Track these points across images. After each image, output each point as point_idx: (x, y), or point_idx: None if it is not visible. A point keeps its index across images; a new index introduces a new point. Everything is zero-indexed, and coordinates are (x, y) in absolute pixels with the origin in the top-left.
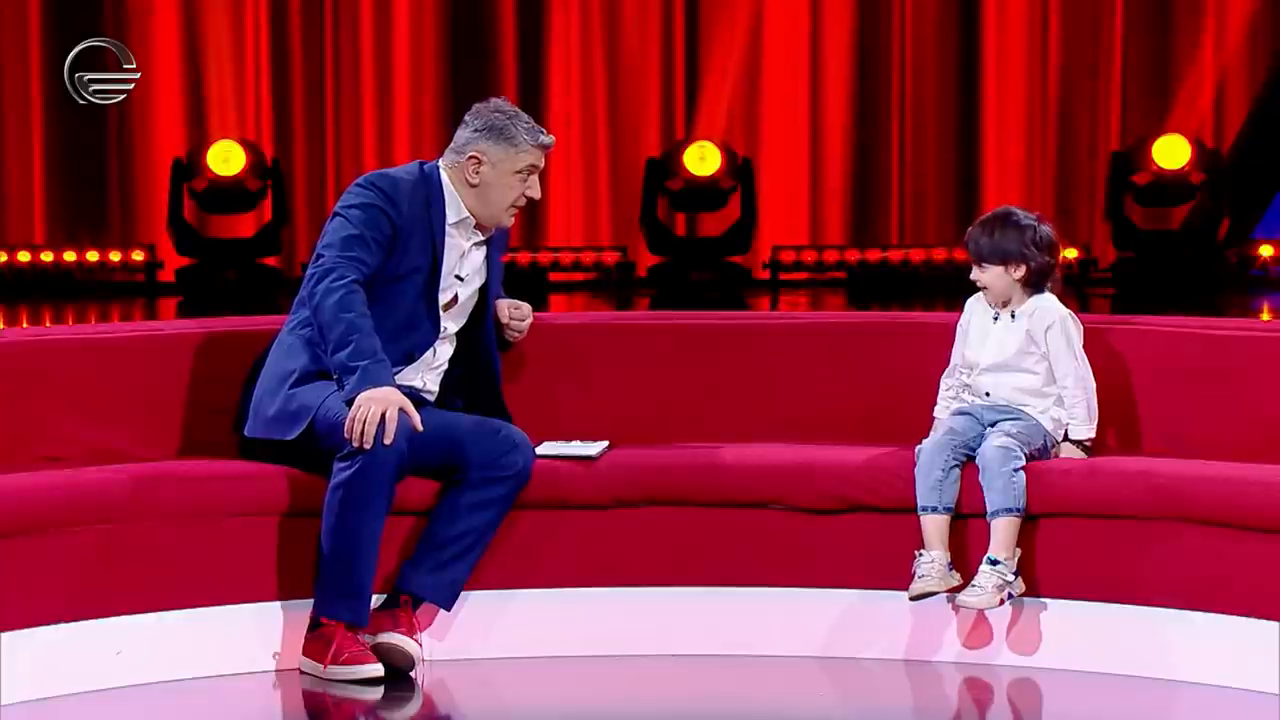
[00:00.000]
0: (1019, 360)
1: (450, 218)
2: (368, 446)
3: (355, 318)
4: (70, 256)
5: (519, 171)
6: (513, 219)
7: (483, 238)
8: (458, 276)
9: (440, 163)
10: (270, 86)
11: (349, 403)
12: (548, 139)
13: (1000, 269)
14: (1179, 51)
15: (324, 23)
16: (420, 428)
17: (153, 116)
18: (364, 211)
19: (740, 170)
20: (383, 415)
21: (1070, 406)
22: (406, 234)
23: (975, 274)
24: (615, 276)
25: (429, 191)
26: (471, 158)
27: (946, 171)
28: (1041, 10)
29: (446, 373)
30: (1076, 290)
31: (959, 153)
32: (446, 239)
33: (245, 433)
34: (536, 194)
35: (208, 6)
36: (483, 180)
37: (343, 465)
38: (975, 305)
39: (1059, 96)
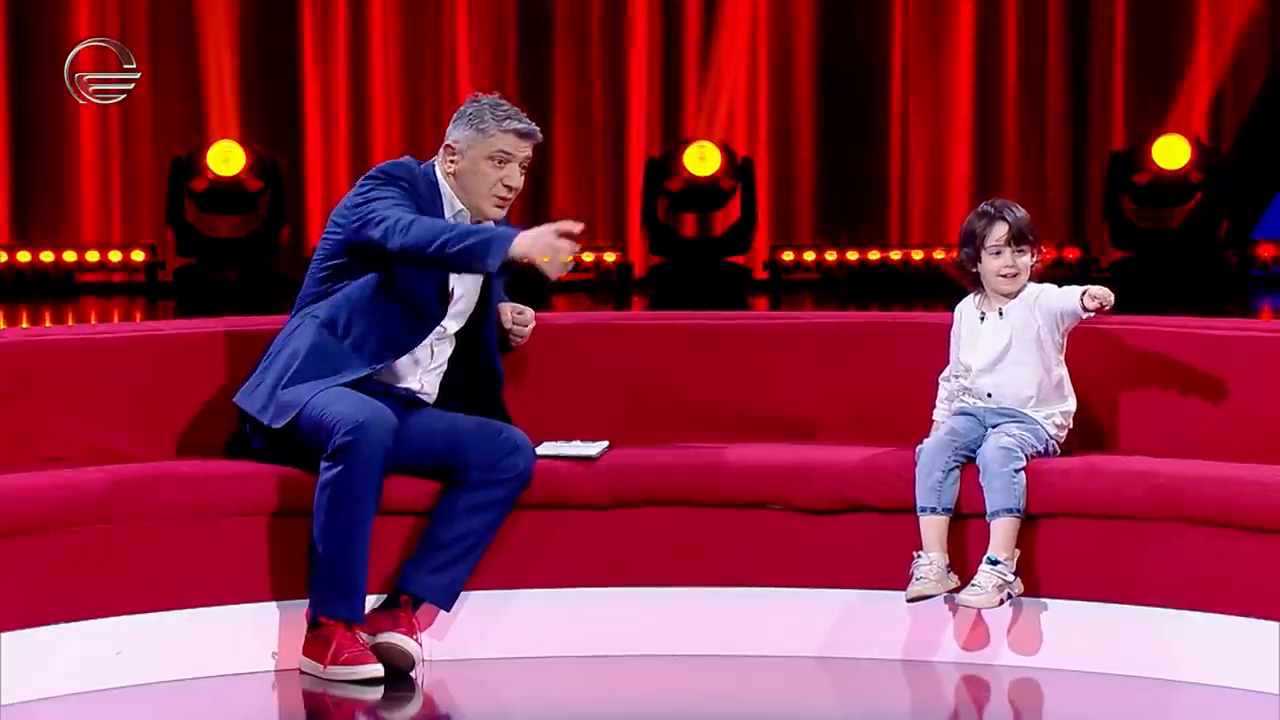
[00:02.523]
0: (1014, 354)
1: (447, 212)
2: (569, 259)
3: (440, 220)
4: (70, 256)
5: (489, 157)
6: (500, 210)
7: None
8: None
9: (435, 159)
10: (271, 86)
11: (507, 265)
12: (521, 125)
13: (1035, 253)
14: (1179, 51)
15: (305, 22)
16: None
17: (153, 116)
18: (395, 186)
19: (740, 170)
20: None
21: (1069, 290)
22: None
23: (1010, 259)
24: (615, 277)
25: (429, 188)
26: (447, 147)
27: (947, 171)
28: (1041, 10)
29: (447, 374)
30: None
31: (959, 153)
32: None
33: (234, 400)
34: (515, 183)
35: (207, 5)
36: (458, 169)
37: (328, 465)
38: (964, 309)
39: (1059, 96)
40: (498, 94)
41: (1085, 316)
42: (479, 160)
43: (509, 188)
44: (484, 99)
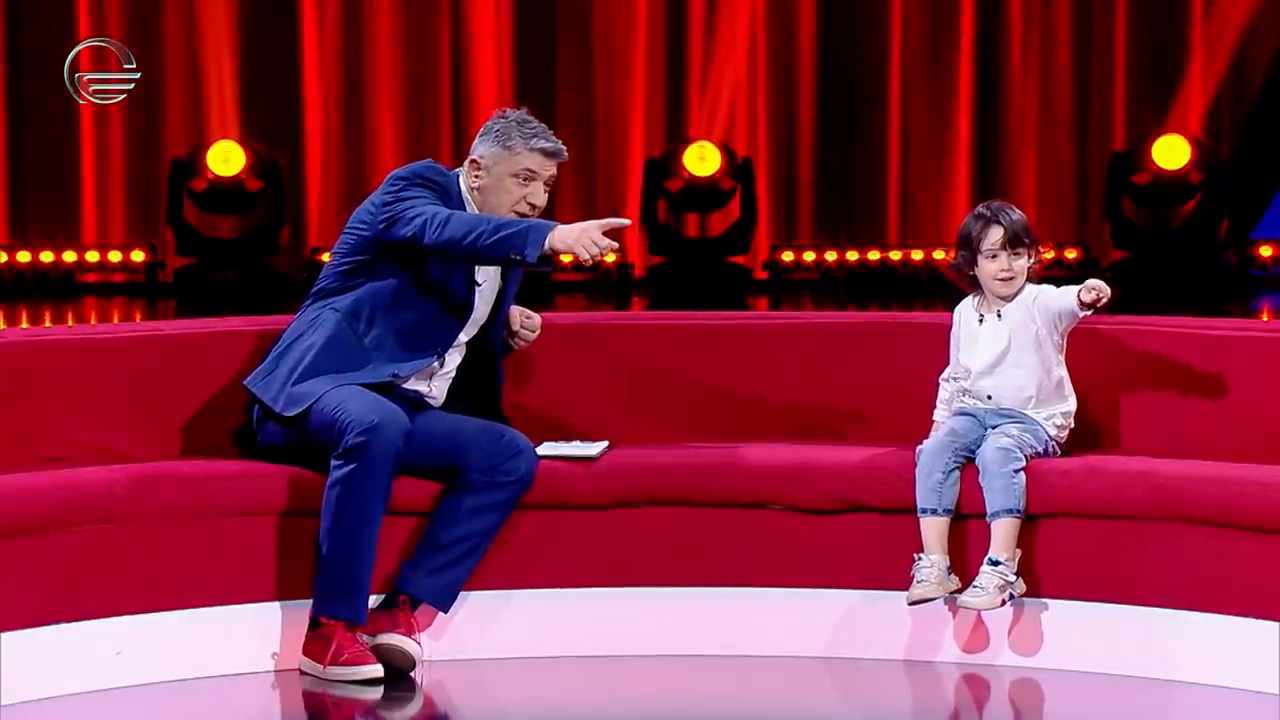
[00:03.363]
0: (1013, 355)
1: None
2: (609, 259)
3: (477, 214)
4: (70, 256)
5: (515, 175)
6: None
7: None
8: (475, 282)
9: (459, 170)
10: (271, 86)
11: (544, 258)
12: (549, 144)
13: (1032, 254)
14: (1179, 51)
15: (301, 21)
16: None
17: (154, 116)
18: (427, 188)
19: (740, 170)
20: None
21: (1066, 290)
22: None
23: (1006, 263)
24: (615, 277)
25: (456, 196)
26: (472, 162)
27: (947, 171)
28: (1042, 11)
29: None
30: None
31: (959, 153)
32: None
33: (245, 382)
34: (539, 201)
35: (207, 5)
36: (482, 184)
37: (339, 464)
38: (963, 311)
39: (1059, 97)
40: (525, 110)
41: (1083, 314)
42: (504, 177)
43: (532, 205)
44: (511, 115)
